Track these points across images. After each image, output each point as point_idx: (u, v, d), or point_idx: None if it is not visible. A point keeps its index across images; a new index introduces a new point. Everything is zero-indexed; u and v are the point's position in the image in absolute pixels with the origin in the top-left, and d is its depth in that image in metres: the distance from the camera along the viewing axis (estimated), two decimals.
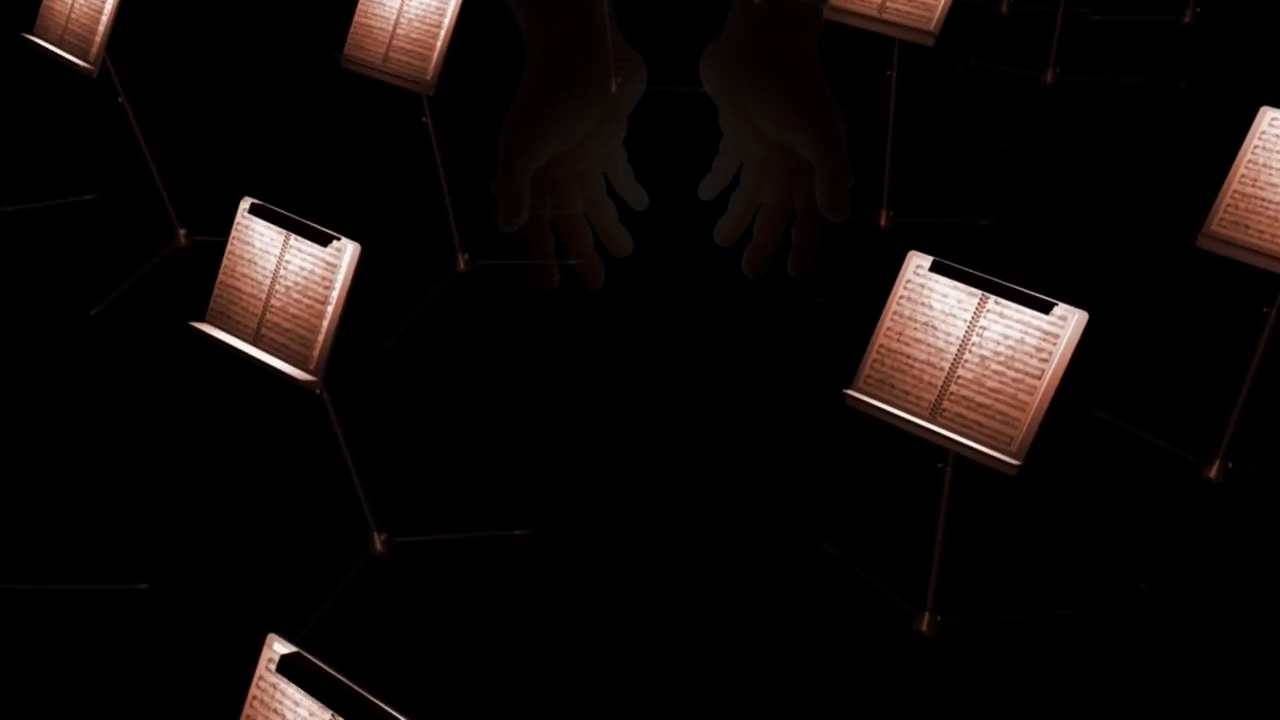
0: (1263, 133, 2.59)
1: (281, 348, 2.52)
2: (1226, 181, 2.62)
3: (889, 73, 3.67)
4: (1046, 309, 2.16)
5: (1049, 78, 4.63)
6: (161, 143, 4.05)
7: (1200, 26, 4.90)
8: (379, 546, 3.07)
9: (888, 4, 3.41)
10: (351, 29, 3.48)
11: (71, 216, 4.37)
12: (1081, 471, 3.16)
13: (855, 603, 2.89)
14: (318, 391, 2.54)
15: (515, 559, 3.06)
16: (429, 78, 3.32)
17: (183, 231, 4.13)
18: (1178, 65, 4.70)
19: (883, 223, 4.00)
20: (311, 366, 2.48)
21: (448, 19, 3.28)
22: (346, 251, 2.43)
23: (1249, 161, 2.59)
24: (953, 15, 3.35)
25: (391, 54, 3.40)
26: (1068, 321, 2.14)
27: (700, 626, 2.88)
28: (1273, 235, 2.55)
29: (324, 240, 2.45)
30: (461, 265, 3.96)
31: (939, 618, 2.79)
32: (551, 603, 2.97)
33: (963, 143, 4.43)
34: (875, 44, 3.55)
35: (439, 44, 3.30)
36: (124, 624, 2.97)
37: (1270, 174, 2.57)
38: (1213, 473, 3.10)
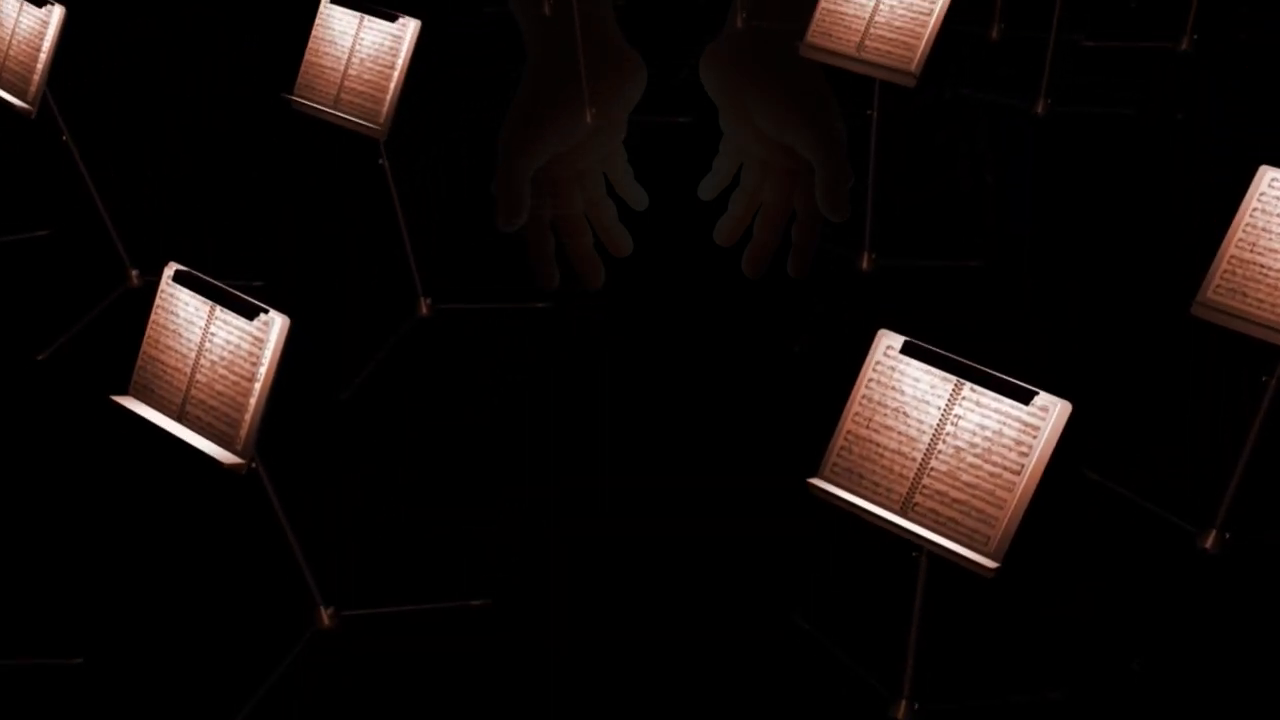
0: (1261, 194, 2.41)
1: (207, 426, 2.34)
2: (1223, 246, 2.43)
3: (869, 112, 3.48)
4: (1026, 399, 1.99)
5: (1040, 108, 4.44)
6: (112, 181, 3.88)
7: (1198, 54, 4.70)
8: (326, 622, 2.89)
9: (866, 42, 3.23)
10: (302, 67, 3.31)
11: (23, 254, 4.19)
12: (1070, 538, 2.99)
13: (827, 684, 2.72)
14: (251, 468, 2.37)
15: (469, 621, 2.91)
16: (382, 121, 3.15)
17: (134, 272, 3.95)
18: (1175, 95, 4.51)
19: (864, 265, 3.82)
20: (238, 447, 2.30)
21: (401, 60, 3.11)
22: (274, 326, 2.26)
23: (1247, 225, 2.41)
24: (940, 42, 3.19)
25: (343, 95, 3.23)
26: (1049, 413, 1.97)
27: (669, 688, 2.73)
28: (1272, 305, 2.38)
29: (250, 313, 2.28)
30: (424, 310, 3.78)
31: (916, 705, 2.62)
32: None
33: (949, 178, 4.25)
34: (858, 76, 3.37)
35: (392, 85, 3.13)
36: (57, 702, 2.79)
37: (1270, 239, 2.38)
38: (1208, 543, 2.92)
